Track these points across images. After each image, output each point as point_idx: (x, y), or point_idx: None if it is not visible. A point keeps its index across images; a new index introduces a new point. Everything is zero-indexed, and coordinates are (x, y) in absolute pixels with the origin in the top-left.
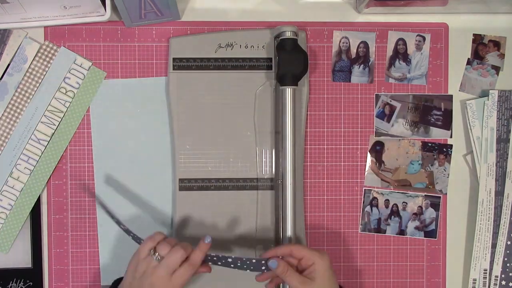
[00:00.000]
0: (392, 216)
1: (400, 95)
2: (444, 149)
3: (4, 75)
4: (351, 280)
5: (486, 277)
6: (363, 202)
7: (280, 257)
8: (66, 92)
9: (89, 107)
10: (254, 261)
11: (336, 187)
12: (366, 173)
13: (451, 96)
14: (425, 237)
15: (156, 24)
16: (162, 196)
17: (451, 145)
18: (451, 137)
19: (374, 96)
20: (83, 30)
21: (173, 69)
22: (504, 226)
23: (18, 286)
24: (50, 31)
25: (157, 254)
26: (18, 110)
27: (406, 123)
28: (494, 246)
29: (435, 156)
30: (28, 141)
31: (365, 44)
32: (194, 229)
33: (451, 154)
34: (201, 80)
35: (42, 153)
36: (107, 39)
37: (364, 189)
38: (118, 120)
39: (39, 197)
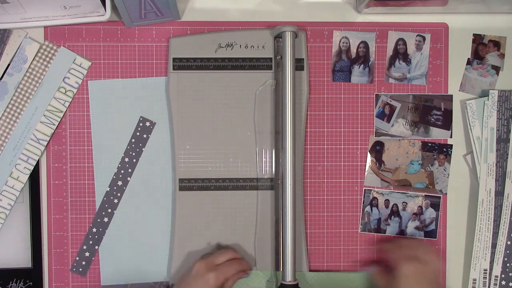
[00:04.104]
0: (392, 216)
1: (400, 95)
2: (444, 149)
3: (4, 75)
4: None
5: (486, 277)
6: (363, 202)
7: None
8: (65, 92)
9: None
10: None
11: (336, 187)
12: (366, 173)
13: (451, 96)
14: (425, 237)
15: (156, 24)
16: (162, 196)
17: (451, 145)
18: (451, 137)
19: (374, 96)
20: (83, 30)
21: (173, 69)
22: (504, 226)
23: (18, 286)
24: (50, 31)
25: None
26: (18, 110)
27: (406, 123)
28: (494, 246)
29: (435, 156)
30: (28, 141)
31: (365, 44)
32: (194, 229)
33: (451, 154)
34: (201, 80)
35: (41, 153)
36: (107, 39)
37: (364, 189)
38: (118, 120)
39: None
